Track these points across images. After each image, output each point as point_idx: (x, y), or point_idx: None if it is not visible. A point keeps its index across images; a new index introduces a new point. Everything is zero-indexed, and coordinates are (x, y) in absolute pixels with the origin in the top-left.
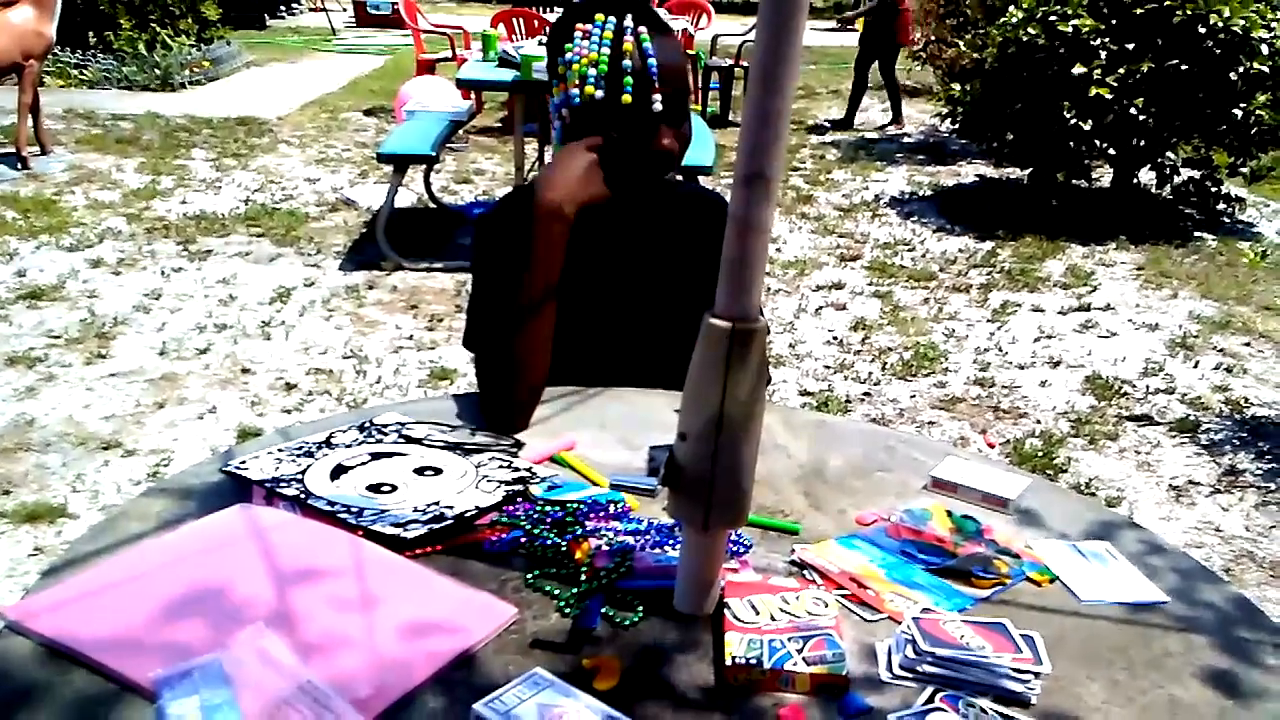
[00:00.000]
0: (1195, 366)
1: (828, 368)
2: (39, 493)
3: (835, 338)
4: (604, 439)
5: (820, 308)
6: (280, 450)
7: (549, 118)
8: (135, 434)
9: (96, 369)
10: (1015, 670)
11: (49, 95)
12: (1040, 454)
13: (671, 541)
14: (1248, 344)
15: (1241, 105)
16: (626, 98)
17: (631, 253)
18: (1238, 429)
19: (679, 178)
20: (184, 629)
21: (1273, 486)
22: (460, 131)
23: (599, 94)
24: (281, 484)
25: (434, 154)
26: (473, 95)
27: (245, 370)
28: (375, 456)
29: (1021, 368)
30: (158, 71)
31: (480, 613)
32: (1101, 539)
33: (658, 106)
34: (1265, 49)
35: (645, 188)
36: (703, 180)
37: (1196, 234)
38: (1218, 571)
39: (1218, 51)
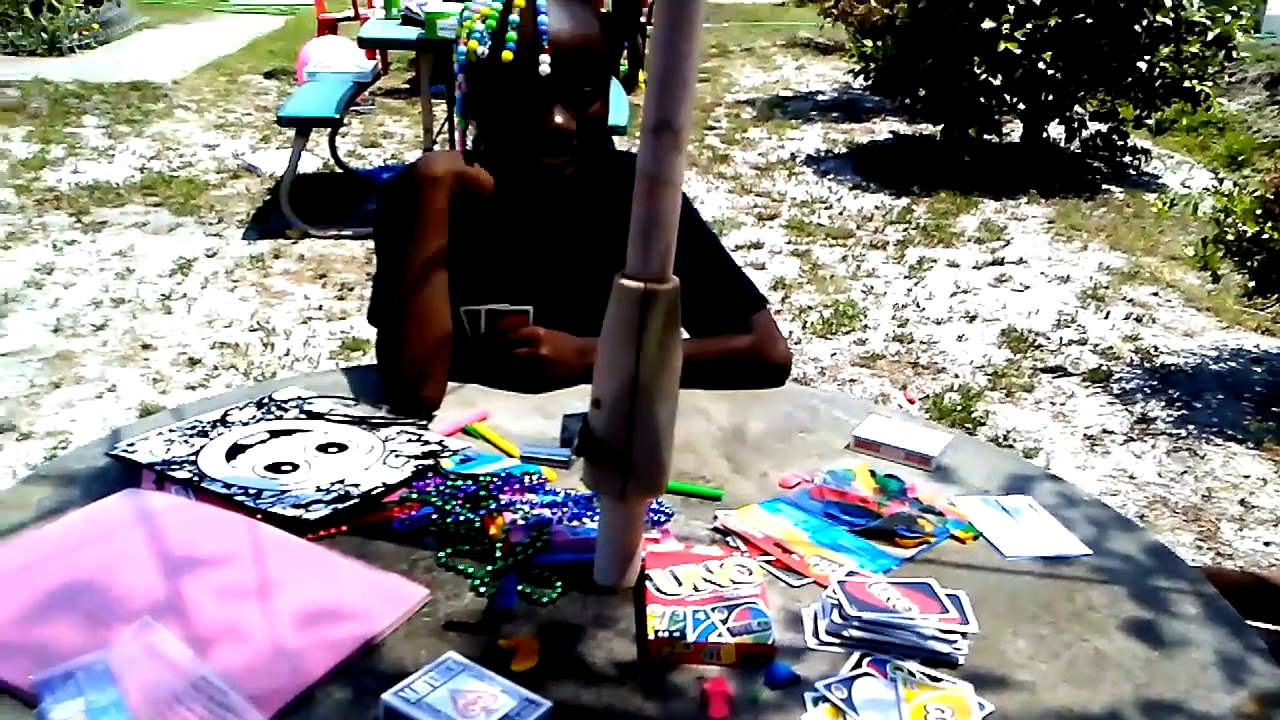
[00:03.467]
0: (1106, 317)
1: None
2: None
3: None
4: (518, 407)
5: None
6: (172, 430)
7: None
8: (30, 416)
9: None
10: (942, 631)
11: None
12: (959, 408)
13: (590, 513)
14: (1156, 294)
15: (1146, 58)
16: (507, 54)
17: (551, 223)
18: (1148, 377)
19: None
20: (66, 626)
21: (1183, 433)
22: (366, 93)
23: (481, 50)
24: (173, 466)
25: (338, 116)
26: (378, 55)
27: (146, 346)
28: (274, 434)
29: (939, 323)
30: (45, 35)
31: (389, 595)
32: (1022, 493)
33: (544, 69)
34: (1168, 1)
35: (540, 179)
36: (617, 140)
37: (1104, 186)
38: (1132, 518)
39: (1122, 5)
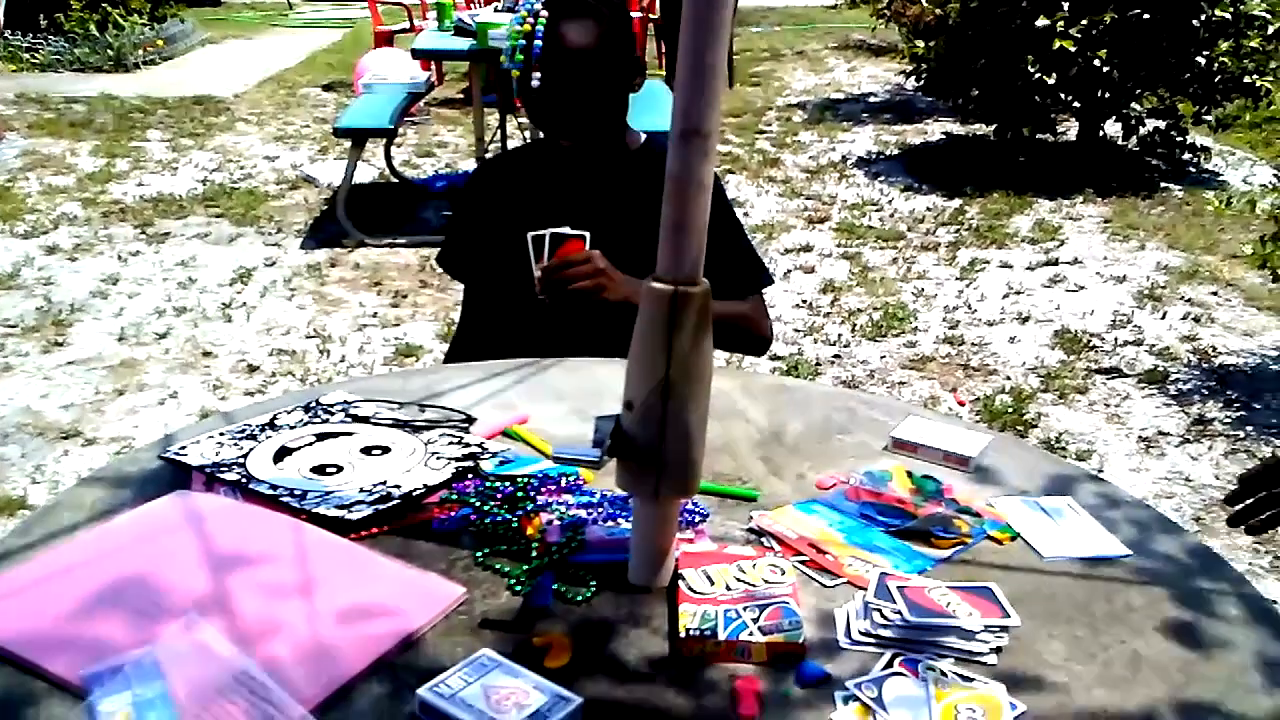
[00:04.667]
0: (1163, 317)
1: (797, 331)
2: None
3: (804, 300)
4: (558, 411)
5: (789, 271)
6: (222, 434)
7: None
8: (95, 422)
9: (54, 357)
10: (986, 628)
11: (0, 80)
12: (1010, 410)
13: (625, 514)
14: (1215, 293)
15: (1205, 53)
16: (515, 72)
17: (588, 213)
18: (1206, 378)
19: (641, 135)
20: (116, 623)
21: (1241, 434)
22: (420, 104)
23: (506, 64)
24: (222, 469)
25: (393, 127)
26: (432, 66)
27: (206, 354)
28: (321, 437)
29: (990, 324)
30: (110, 52)
31: (427, 594)
32: (1063, 494)
33: (534, 83)
34: None
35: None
36: None
37: (1162, 185)
38: (1188, 521)
39: None
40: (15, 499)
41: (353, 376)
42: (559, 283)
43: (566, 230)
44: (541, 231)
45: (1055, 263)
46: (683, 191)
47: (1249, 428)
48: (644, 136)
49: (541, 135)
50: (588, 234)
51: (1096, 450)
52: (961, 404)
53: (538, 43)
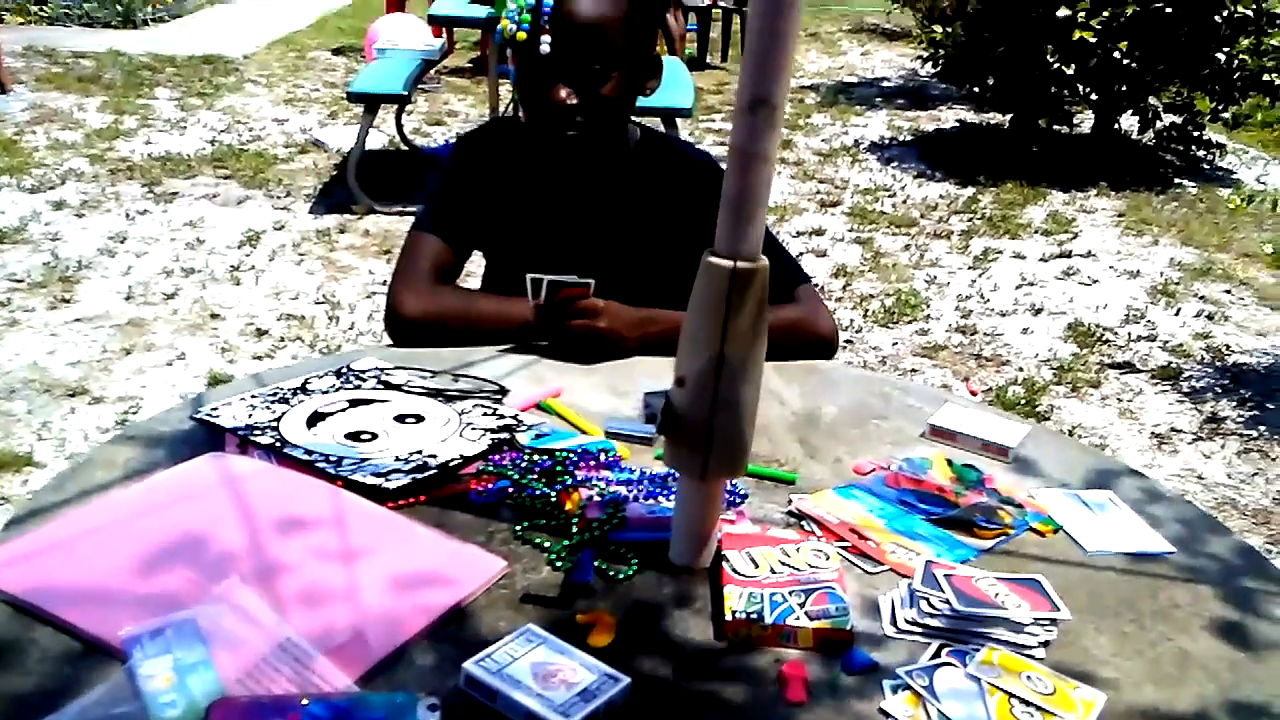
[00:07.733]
0: (1177, 314)
1: None
2: (3, 440)
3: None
4: (590, 385)
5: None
6: (254, 397)
7: None
8: (102, 380)
9: (61, 314)
10: (1034, 620)
11: (7, 32)
12: (1022, 401)
13: (665, 492)
14: (1228, 291)
15: (1224, 49)
16: (521, 35)
17: (604, 198)
18: (1219, 376)
19: (636, 130)
20: (155, 584)
21: (1254, 434)
22: (432, 71)
23: (511, 27)
24: (255, 431)
25: (406, 94)
26: (444, 33)
27: (214, 315)
28: (354, 403)
29: (1003, 315)
30: (119, 7)
31: (468, 565)
32: (1103, 487)
33: (543, 49)
34: None
35: (552, 147)
36: (680, 123)
37: (1177, 180)
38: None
39: None
40: (22, 455)
41: (364, 345)
42: (555, 322)
43: (570, 278)
44: (540, 276)
45: (1068, 255)
46: (746, 164)
47: (1262, 427)
48: (638, 132)
49: (524, 117)
50: (592, 282)
51: (1109, 445)
52: (974, 394)
53: (547, 1)
